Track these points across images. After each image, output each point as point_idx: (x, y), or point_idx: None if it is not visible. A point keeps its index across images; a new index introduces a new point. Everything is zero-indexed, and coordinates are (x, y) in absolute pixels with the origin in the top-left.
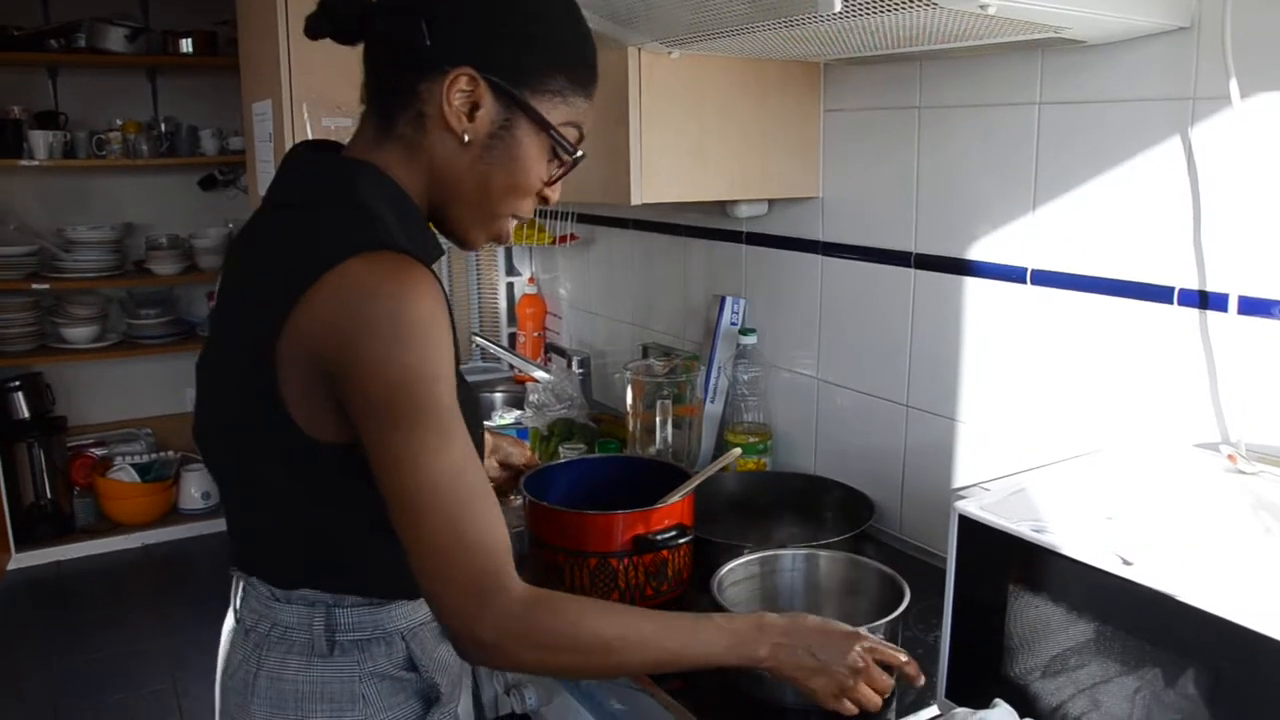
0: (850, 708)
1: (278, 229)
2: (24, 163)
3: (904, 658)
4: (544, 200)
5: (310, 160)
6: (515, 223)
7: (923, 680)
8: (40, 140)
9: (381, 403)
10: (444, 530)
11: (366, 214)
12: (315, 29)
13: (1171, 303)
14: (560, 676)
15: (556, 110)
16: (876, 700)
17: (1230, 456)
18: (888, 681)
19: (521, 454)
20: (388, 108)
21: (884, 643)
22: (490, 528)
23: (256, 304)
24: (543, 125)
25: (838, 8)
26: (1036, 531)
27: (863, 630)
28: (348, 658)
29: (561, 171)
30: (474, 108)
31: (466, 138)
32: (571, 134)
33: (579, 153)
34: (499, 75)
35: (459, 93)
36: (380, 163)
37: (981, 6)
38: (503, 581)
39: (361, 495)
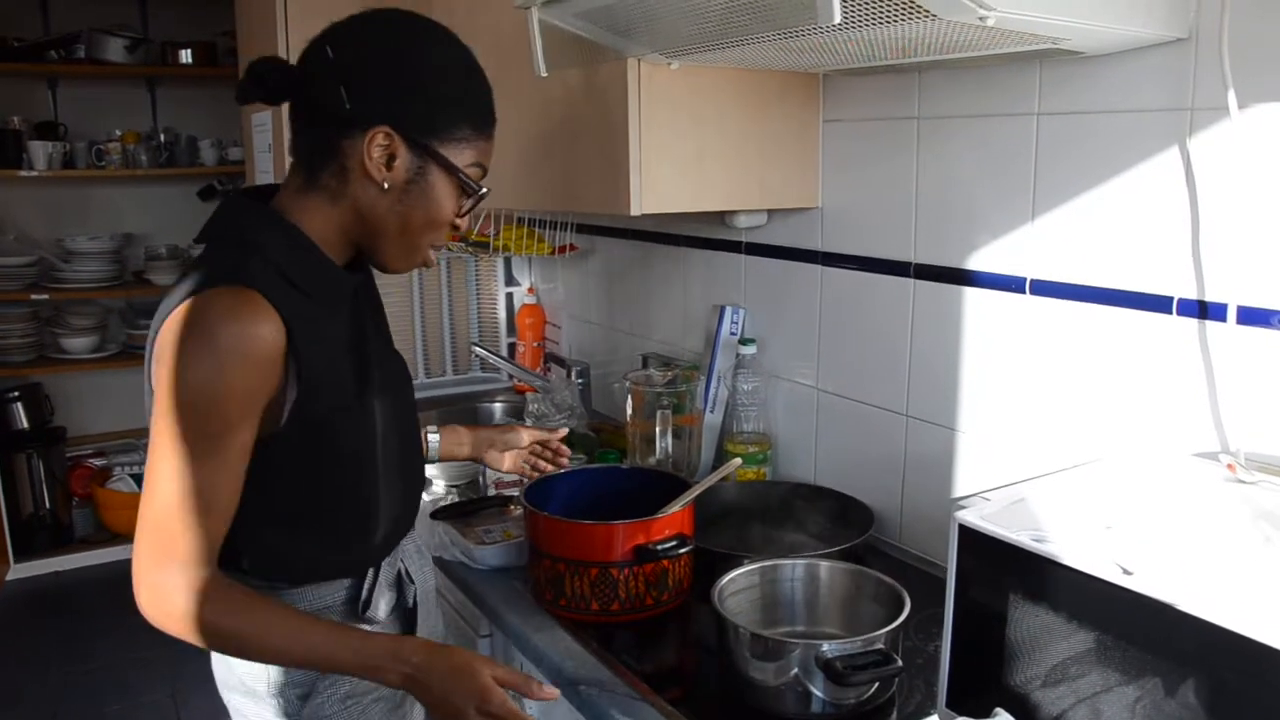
0: None
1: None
2: (23, 173)
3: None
4: (456, 228)
5: (231, 206)
6: (435, 250)
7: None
8: (40, 151)
9: (164, 399)
10: (152, 517)
11: (246, 255)
12: (245, 96)
13: (1170, 313)
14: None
15: (462, 154)
16: None
17: (1229, 466)
18: None
19: (517, 437)
20: (312, 161)
21: (510, 709)
22: (195, 532)
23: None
24: (451, 169)
25: (837, 19)
26: (1036, 541)
27: (495, 693)
28: None
29: (470, 205)
30: (391, 159)
31: (386, 185)
32: (475, 173)
33: (483, 189)
34: (412, 130)
35: (377, 147)
36: (297, 208)
37: (980, 18)
38: (177, 568)
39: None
